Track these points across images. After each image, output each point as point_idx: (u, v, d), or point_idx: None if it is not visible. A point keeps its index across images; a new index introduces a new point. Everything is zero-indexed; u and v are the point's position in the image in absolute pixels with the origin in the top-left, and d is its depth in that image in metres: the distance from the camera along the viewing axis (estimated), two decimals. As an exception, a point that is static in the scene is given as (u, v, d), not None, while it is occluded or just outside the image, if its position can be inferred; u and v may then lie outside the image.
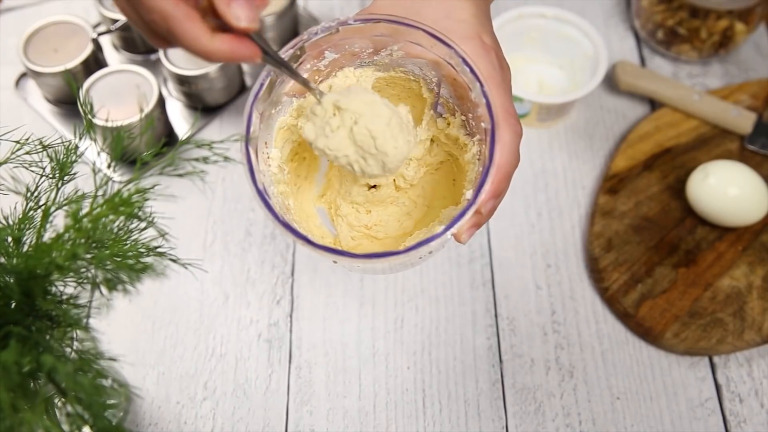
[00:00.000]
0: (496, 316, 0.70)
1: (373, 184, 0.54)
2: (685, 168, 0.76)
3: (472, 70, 0.45)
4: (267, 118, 0.49)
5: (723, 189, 0.70)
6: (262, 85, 0.46)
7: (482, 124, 0.46)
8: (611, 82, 0.84)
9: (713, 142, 0.79)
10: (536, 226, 0.75)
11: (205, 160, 0.43)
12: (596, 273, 0.71)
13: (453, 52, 0.46)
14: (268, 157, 0.50)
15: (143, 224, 0.42)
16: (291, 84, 0.49)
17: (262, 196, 0.44)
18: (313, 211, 0.55)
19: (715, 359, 0.68)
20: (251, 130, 0.45)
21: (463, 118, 0.50)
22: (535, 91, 0.82)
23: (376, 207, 0.54)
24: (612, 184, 0.76)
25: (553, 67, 0.84)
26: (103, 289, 0.41)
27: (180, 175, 0.42)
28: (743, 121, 0.78)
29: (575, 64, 0.82)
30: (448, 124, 0.52)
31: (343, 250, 0.46)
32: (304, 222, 0.52)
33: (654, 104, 0.83)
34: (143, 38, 0.83)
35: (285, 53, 0.47)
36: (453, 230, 0.43)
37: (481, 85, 0.45)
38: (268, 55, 0.44)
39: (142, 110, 0.73)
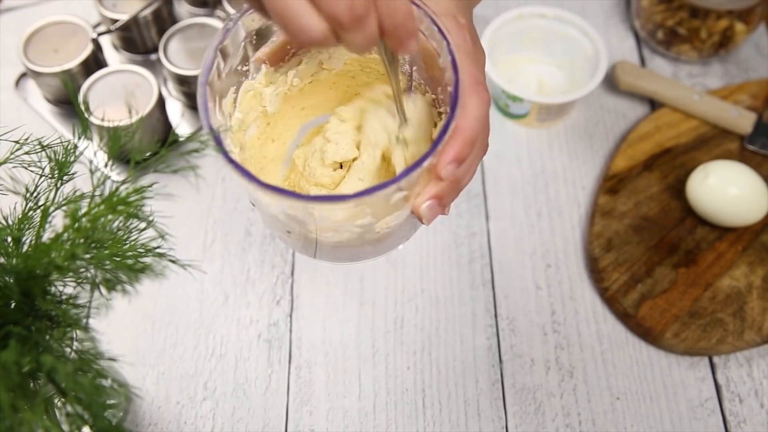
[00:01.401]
0: (496, 316, 0.70)
1: (339, 164, 0.53)
2: (685, 168, 0.76)
3: (440, 30, 0.44)
4: (233, 73, 0.48)
5: (723, 189, 0.70)
6: (227, 31, 0.45)
7: (448, 88, 0.44)
8: (611, 82, 0.84)
9: (713, 142, 0.79)
10: (536, 226, 0.75)
11: (197, 151, 0.43)
12: (596, 273, 0.71)
13: (422, 12, 0.45)
14: (230, 115, 0.49)
15: (142, 224, 0.42)
16: (263, 50, 0.49)
17: (216, 136, 0.42)
18: None
19: (715, 359, 0.68)
20: (211, 72, 0.44)
21: (434, 96, 0.49)
22: (535, 91, 0.81)
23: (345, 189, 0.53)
24: (612, 184, 0.76)
25: (553, 67, 0.84)
26: (103, 290, 0.41)
27: (174, 171, 0.42)
28: (743, 121, 0.78)
29: (575, 64, 0.82)
30: None
31: (291, 191, 0.44)
32: None
33: (654, 104, 0.83)
34: (143, 38, 0.83)
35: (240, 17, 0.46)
36: (400, 183, 0.41)
37: (448, 43, 0.44)
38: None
39: (130, 109, 0.73)
